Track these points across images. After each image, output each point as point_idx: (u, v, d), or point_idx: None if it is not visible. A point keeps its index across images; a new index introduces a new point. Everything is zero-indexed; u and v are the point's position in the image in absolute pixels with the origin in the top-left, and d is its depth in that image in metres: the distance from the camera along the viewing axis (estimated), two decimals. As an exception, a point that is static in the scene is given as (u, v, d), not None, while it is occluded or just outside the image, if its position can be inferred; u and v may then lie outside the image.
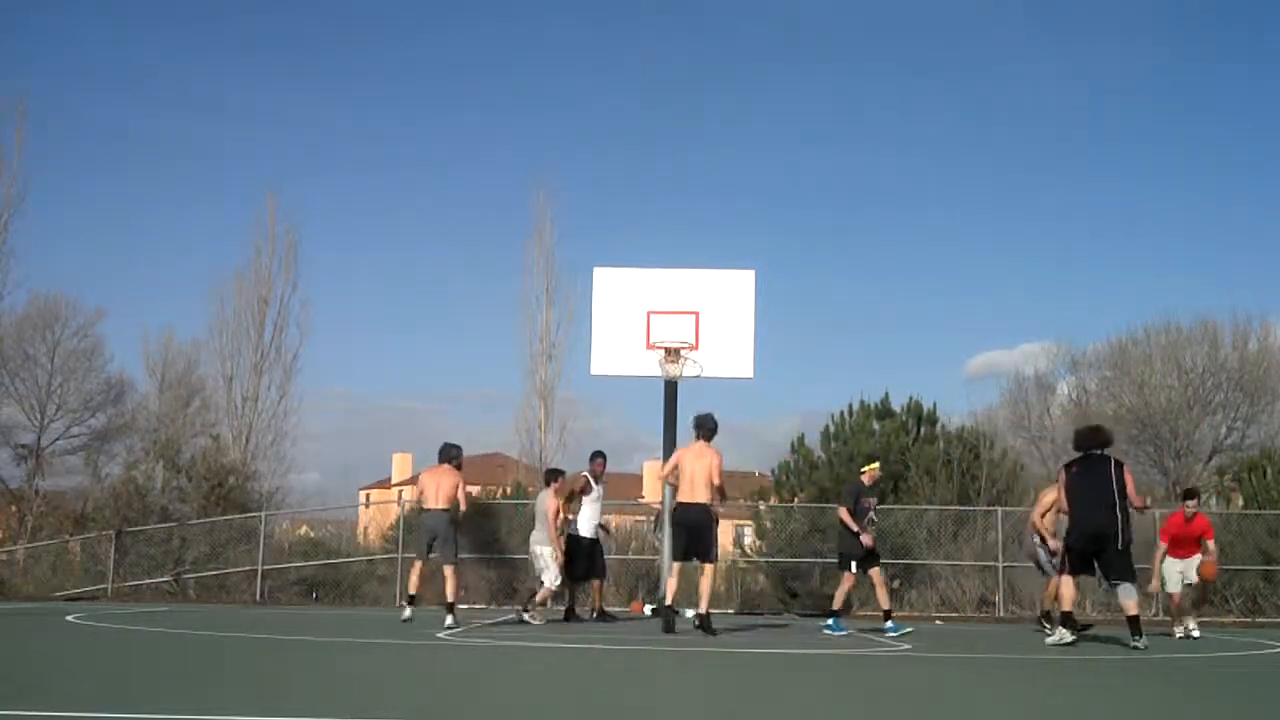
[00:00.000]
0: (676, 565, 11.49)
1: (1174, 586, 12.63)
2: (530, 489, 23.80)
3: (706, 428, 11.52)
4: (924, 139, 70.75)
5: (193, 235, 68.34)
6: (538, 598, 13.37)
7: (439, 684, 6.13)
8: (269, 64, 71.61)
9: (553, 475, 14.41)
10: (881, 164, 74.61)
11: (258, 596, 20.04)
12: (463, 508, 12.43)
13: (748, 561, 21.90)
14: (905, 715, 5.19)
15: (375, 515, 30.29)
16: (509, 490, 23.96)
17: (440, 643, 9.36)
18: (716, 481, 11.22)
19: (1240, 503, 22.28)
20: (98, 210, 68.71)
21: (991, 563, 19.12)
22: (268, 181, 64.22)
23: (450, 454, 12.60)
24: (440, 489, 12.29)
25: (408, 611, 12.35)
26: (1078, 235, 68.77)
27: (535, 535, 13.83)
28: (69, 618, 12.22)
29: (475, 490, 26.44)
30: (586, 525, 14.26)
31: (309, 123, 74.83)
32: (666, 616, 11.31)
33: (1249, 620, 18.17)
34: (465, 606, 18.98)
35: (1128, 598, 10.09)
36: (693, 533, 11.24)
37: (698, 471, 11.24)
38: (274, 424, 27.26)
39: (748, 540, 23.77)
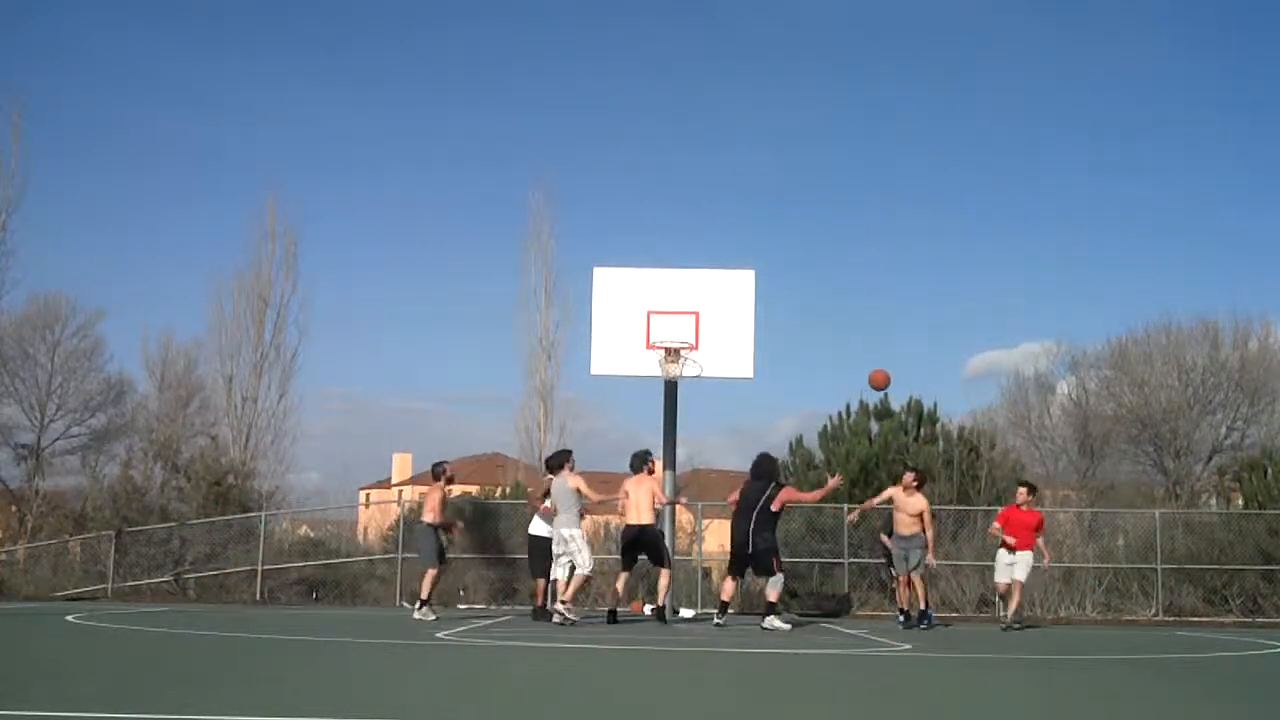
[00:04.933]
0: (624, 574, 13.61)
1: (1000, 576, 14.70)
2: (530, 489, 23.78)
3: (634, 464, 13.40)
4: (924, 138, 70.74)
5: (193, 235, 68.15)
6: (571, 589, 12.58)
7: (439, 684, 6.13)
8: (269, 64, 71.58)
9: (565, 457, 13.36)
10: (882, 164, 74.61)
11: (258, 596, 20.02)
12: (438, 518, 13.55)
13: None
14: (905, 715, 5.19)
15: (375, 515, 30.24)
16: (508, 490, 23.94)
17: (440, 643, 9.36)
18: (661, 502, 13.50)
19: (1240, 503, 22.26)
20: (98, 210, 68.60)
21: (992, 563, 19.05)
22: (268, 181, 63.98)
23: (436, 470, 14.05)
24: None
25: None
26: (1078, 235, 68.71)
27: (562, 519, 12.82)
28: (69, 618, 12.21)
29: (475, 490, 26.53)
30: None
31: (309, 123, 74.71)
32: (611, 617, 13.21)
33: (1249, 620, 18.15)
34: (465, 606, 19.01)
35: (769, 589, 12.75)
36: (645, 548, 13.32)
37: (640, 498, 13.11)
38: (273, 424, 27.25)
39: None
